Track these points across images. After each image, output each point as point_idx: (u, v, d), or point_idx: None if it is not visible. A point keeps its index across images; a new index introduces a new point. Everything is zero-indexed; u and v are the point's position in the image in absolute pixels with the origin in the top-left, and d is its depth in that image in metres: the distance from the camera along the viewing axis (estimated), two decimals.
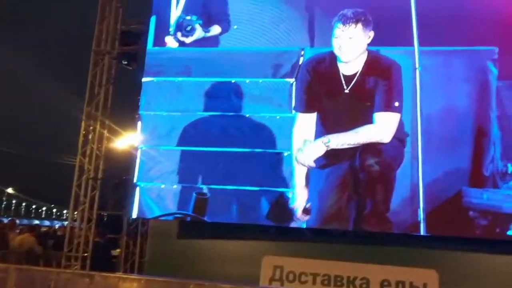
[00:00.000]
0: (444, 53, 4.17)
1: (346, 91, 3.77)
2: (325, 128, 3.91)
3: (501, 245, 4.10)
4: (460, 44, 4.15)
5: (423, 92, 4.00)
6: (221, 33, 4.81)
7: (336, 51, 3.67)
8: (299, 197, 4.05)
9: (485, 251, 4.17)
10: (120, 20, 6.44)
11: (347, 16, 3.56)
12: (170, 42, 4.94)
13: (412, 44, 4.05)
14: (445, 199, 4.01)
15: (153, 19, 5.17)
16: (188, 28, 4.85)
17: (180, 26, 4.88)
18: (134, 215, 4.76)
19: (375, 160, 3.66)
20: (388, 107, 3.65)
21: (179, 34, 4.88)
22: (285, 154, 4.29)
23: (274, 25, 4.65)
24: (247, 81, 4.56)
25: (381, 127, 3.58)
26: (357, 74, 3.72)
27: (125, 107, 6.33)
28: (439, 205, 4.01)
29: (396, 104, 3.66)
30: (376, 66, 3.72)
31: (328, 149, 3.62)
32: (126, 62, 6.21)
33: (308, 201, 4.08)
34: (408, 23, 4.07)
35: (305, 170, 4.03)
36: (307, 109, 3.91)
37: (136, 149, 4.85)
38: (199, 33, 4.84)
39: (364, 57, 3.71)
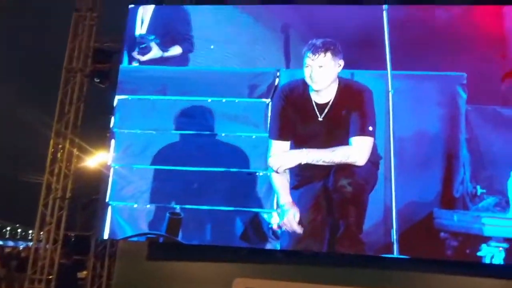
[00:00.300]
0: (416, 77, 4.31)
1: (320, 119, 3.80)
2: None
3: (471, 267, 4.18)
4: (431, 69, 4.30)
5: (395, 115, 4.11)
6: (183, 53, 4.86)
7: (308, 80, 3.71)
8: (291, 213, 3.94)
9: (457, 272, 4.23)
10: (93, 37, 6.40)
11: (316, 45, 3.62)
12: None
13: (385, 68, 4.17)
14: (417, 220, 4.09)
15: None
16: (143, 46, 4.91)
17: (137, 44, 4.95)
18: (106, 235, 4.63)
19: (348, 181, 3.69)
20: (363, 132, 3.70)
21: (135, 52, 4.95)
22: (260, 173, 4.31)
23: (250, 46, 4.70)
24: (224, 100, 4.56)
25: (357, 150, 3.62)
26: (330, 103, 3.76)
27: (96, 125, 6.23)
28: (411, 226, 4.07)
29: (370, 128, 3.72)
30: (348, 94, 3.78)
31: (303, 161, 3.62)
32: (98, 80, 6.15)
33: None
34: (381, 47, 4.19)
35: (286, 184, 3.96)
36: (280, 136, 3.90)
37: (107, 167, 4.75)
38: (155, 52, 4.89)
39: (335, 85, 3.77)
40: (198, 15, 4.98)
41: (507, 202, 4.06)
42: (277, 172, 3.76)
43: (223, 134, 4.53)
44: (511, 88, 4.36)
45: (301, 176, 3.92)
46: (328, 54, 3.69)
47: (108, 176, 4.70)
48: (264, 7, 4.99)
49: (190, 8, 5.11)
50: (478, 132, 4.22)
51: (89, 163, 6.30)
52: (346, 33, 4.37)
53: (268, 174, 4.03)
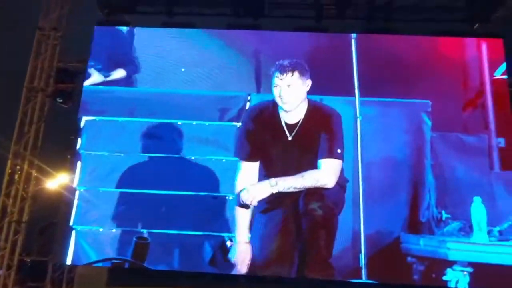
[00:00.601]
0: (383, 104, 4.46)
1: (289, 138, 3.80)
2: (268, 176, 3.89)
3: None
4: (397, 96, 4.45)
5: (363, 140, 4.20)
6: (128, 76, 4.89)
7: (278, 100, 3.73)
8: (243, 253, 3.91)
9: None
10: (56, 57, 6.25)
11: (284, 65, 3.67)
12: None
13: (353, 95, 4.29)
14: (385, 245, 4.15)
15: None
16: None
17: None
18: (69, 261, 4.44)
19: (318, 205, 3.68)
20: (331, 154, 3.73)
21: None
22: (230, 197, 4.28)
23: (221, 70, 4.74)
24: (194, 123, 4.55)
25: (326, 173, 3.64)
26: (299, 123, 3.78)
27: (57, 147, 6.04)
28: (379, 250, 4.13)
29: (339, 151, 3.75)
30: (317, 115, 3.82)
31: (274, 191, 3.61)
32: (61, 100, 5.97)
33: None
34: (349, 74, 4.31)
35: (248, 221, 3.91)
36: (250, 157, 3.88)
37: (69, 190, 4.60)
38: (95, 77, 4.98)
39: (305, 106, 3.80)
40: (168, 38, 4.98)
41: (471, 227, 4.19)
42: (249, 205, 3.71)
43: (192, 157, 4.50)
44: (472, 117, 4.59)
45: (270, 200, 3.90)
46: (296, 73, 3.74)
47: (69, 199, 4.56)
48: (234, 32, 5.05)
49: (138, 30, 5.17)
50: (443, 159, 4.38)
51: (49, 185, 6.06)
52: (315, 60, 4.47)
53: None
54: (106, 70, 4.93)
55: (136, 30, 5.21)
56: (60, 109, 6.17)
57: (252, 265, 4.09)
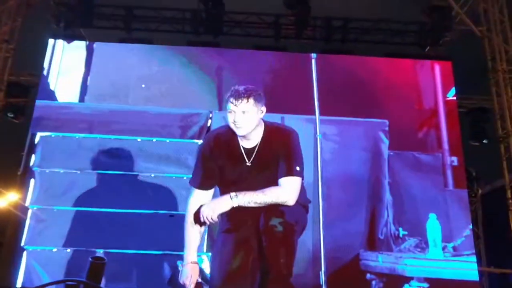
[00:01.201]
0: (342, 122, 4.57)
1: (248, 164, 3.80)
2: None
3: None
4: (356, 115, 4.57)
5: (323, 159, 4.27)
6: None
7: (232, 126, 3.70)
8: (189, 273, 3.84)
9: None
10: (7, 70, 6.00)
11: (239, 92, 3.66)
12: None
13: (313, 113, 4.36)
14: (345, 262, 4.21)
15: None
16: None
17: None
18: (19, 284, 4.19)
19: (278, 221, 3.62)
20: (291, 172, 3.73)
21: None
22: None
23: (183, 86, 4.71)
24: (154, 140, 4.49)
25: (286, 190, 3.65)
26: (256, 147, 3.80)
27: (6, 163, 5.76)
28: (339, 268, 4.18)
29: (298, 168, 3.76)
30: (274, 137, 3.81)
31: (235, 205, 3.58)
32: (12, 115, 5.72)
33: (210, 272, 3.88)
34: (309, 93, 4.38)
35: (197, 241, 3.84)
36: (203, 186, 3.83)
37: (20, 209, 4.38)
38: None
39: (261, 129, 3.81)
40: (129, 53, 4.90)
41: (426, 243, 4.33)
42: (205, 223, 3.63)
43: (152, 175, 4.42)
44: (427, 136, 4.77)
45: (234, 220, 3.85)
46: (251, 100, 3.71)
47: (20, 218, 4.34)
48: (195, 49, 5.05)
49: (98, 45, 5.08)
50: (400, 177, 4.51)
51: None
52: (276, 79, 4.53)
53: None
54: None
55: (96, 45, 5.10)
56: (11, 124, 5.91)
57: (212, 285, 4.02)
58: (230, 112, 3.65)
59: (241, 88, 3.63)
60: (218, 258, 4.01)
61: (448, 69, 5.19)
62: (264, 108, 3.74)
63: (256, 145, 3.73)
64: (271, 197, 3.66)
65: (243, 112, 3.64)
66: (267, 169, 3.80)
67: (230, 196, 3.65)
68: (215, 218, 3.65)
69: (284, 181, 3.80)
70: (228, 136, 3.83)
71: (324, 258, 4.13)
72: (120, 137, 4.54)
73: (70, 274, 4.16)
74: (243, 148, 3.80)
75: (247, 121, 3.68)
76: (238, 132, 3.71)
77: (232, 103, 3.63)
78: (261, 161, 3.74)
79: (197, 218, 3.71)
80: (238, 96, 3.60)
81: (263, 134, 3.78)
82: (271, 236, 3.71)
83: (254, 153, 3.71)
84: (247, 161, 3.73)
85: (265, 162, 3.76)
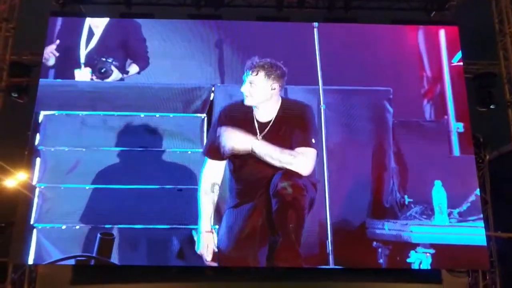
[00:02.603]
0: (346, 92, 4.53)
1: (259, 137, 3.81)
2: (235, 173, 3.87)
3: (402, 273, 4.41)
4: (360, 84, 4.53)
5: (327, 129, 4.26)
6: (139, 72, 4.76)
7: (244, 93, 3.74)
8: (206, 242, 3.90)
9: (389, 279, 4.44)
10: (9, 50, 5.98)
11: (252, 64, 3.76)
12: (83, 78, 4.75)
13: (316, 83, 4.32)
14: (351, 231, 4.24)
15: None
16: (103, 71, 4.71)
17: (94, 68, 4.75)
18: (31, 260, 4.29)
19: (288, 183, 3.67)
20: (307, 143, 3.75)
21: (94, 76, 4.76)
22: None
23: (185, 60, 4.68)
24: (157, 115, 4.49)
25: (301, 158, 3.66)
26: (272, 121, 3.80)
27: (13, 143, 5.81)
28: (345, 237, 4.21)
29: (313, 140, 3.78)
30: (289, 111, 3.83)
31: (253, 146, 3.59)
32: (16, 95, 5.72)
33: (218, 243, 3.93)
34: (312, 63, 4.33)
35: (211, 210, 3.90)
36: (209, 153, 3.87)
37: (28, 187, 4.45)
38: (116, 75, 4.76)
39: (277, 105, 3.82)
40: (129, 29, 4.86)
41: (432, 210, 4.34)
42: (224, 154, 3.66)
43: (157, 150, 4.43)
44: (432, 103, 4.73)
45: (241, 195, 3.89)
46: (261, 74, 3.78)
47: (28, 197, 4.41)
48: (197, 23, 4.99)
49: (142, 22, 4.98)
50: (404, 144, 4.50)
51: (7, 184, 5.83)
52: (278, 49, 4.49)
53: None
54: (122, 67, 4.75)
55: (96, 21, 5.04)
56: (16, 104, 5.93)
57: (221, 255, 4.08)
58: (244, 82, 3.71)
59: (255, 60, 3.67)
60: (226, 229, 4.09)
61: (454, 34, 5.09)
62: (276, 85, 3.72)
63: (271, 119, 3.76)
64: (287, 158, 3.66)
65: (250, 83, 3.69)
66: (280, 145, 3.80)
67: (250, 139, 3.64)
68: (231, 152, 3.63)
69: (300, 150, 3.81)
70: (244, 108, 3.86)
71: (330, 227, 4.16)
72: (123, 113, 4.53)
73: (80, 250, 4.25)
74: (257, 121, 3.83)
75: (254, 92, 3.71)
76: (245, 101, 3.74)
77: (244, 73, 3.74)
78: (273, 135, 3.76)
79: (214, 151, 3.76)
80: (249, 67, 3.68)
81: (279, 109, 3.80)
82: (281, 198, 3.74)
83: (268, 127, 3.74)
84: (258, 134, 3.76)
85: (278, 137, 3.78)
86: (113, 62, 4.75)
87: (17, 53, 5.88)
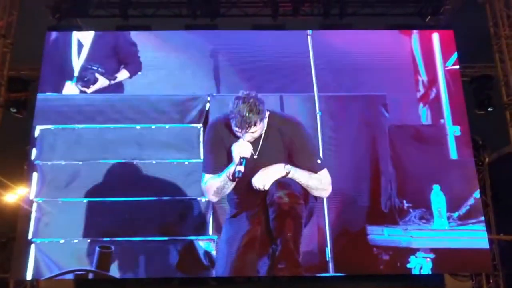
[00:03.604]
0: (341, 98, 4.55)
1: (255, 156, 3.73)
2: (237, 190, 3.80)
3: (402, 278, 4.38)
4: (355, 91, 4.55)
5: (323, 135, 4.26)
6: (130, 76, 4.76)
7: (238, 134, 3.52)
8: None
9: (390, 285, 4.42)
10: (7, 65, 6.03)
11: (246, 121, 3.43)
12: (71, 90, 4.77)
13: (312, 91, 4.34)
14: (350, 238, 4.23)
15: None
16: (85, 79, 4.72)
17: (80, 76, 4.77)
18: (29, 276, 4.28)
19: (284, 192, 3.60)
20: (319, 166, 3.65)
21: (78, 85, 4.78)
22: (201, 199, 4.27)
23: (180, 71, 4.70)
24: (153, 127, 4.49)
25: (326, 180, 3.59)
26: (262, 138, 3.67)
27: (12, 158, 5.82)
28: (345, 243, 4.20)
29: (319, 161, 3.70)
30: (281, 127, 3.72)
31: (287, 171, 3.49)
32: (15, 110, 5.76)
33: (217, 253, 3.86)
34: (307, 71, 4.35)
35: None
36: (216, 171, 3.74)
37: (27, 202, 4.45)
38: (102, 82, 4.75)
39: (265, 119, 3.67)
40: (124, 40, 4.90)
41: (431, 214, 4.32)
42: (262, 189, 3.54)
43: (154, 162, 4.42)
44: (428, 107, 4.74)
45: (241, 205, 3.84)
46: (258, 121, 3.56)
47: (28, 212, 4.40)
48: (191, 33, 5.02)
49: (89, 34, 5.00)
50: (402, 149, 4.49)
51: (5, 199, 5.84)
52: (273, 58, 4.50)
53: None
54: (109, 73, 4.75)
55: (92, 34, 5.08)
56: (15, 118, 5.96)
57: (221, 265, 4.05)
58: (236, 131, 3.52)
59: (245, 112, 3.47)
60: (226, 239, 4.04)
61: (449, 38, 5.10)
62: (267, 114, 3.64)
63: (261, 135, 3.71)
64: (315, 182, 3.61)
65: (253, 132, 3.52)
66: (275, 160, 3.75)
67: (285, 167, 3.56)
68: (268, 187, 3.57)
69: (320, 173, 3.75)
70: (231, 126, 3.76)
71: (330, 234, 4.15)
72: (119, 125, 4.53)
73: (79, 264, 4.24)
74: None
75: (256, 135, 3.59)
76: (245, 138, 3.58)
77: (239, 130, 3.48)
78: (268, 152, 3.71)
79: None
80: (244, 124, 3.44)
81: (268, 124, 3.75)
82: (278, 207, 3.68)
83: (260, 144, 3.70)
84: (254, 154, 3.71)
85: (273, 154, 3.72)
86: (99, 69, 4.76)
87: (15, 68, 5.94)
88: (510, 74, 5.18)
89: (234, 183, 3.47)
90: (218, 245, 4.13)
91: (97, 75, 4.75)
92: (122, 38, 5.02)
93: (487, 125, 5.50)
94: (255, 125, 3.39)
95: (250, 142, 3.53)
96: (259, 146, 3.58)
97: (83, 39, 5.00)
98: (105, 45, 4.98)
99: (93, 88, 4.75)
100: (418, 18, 5.73)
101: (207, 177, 3.54)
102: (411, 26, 5.25)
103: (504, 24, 5.29)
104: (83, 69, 4.82)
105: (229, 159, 3.53)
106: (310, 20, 5.67)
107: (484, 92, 5.46)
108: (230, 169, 3.40)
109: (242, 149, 3.37)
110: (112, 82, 4.78)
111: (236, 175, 3.29)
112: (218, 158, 3.59)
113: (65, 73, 4.86)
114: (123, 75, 4.80)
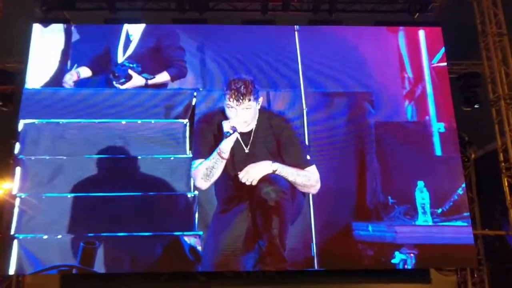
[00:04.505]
0: (328, 95, 4.56)
1: (246, 151, 3.73)
2: (225, 186, 3.80)
3: (387, 274, 4.42)
4: (341, 87, 4.55)
5: (310, 131, 4.27)
6: (172, 80, 4.70)
7: (232, 122, 3.54)
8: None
9: (374, 280, 4.45)
10: None
11: (240, 91, 3.52)
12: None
13: (298, 86, 4.34)
14: (335, 233, 4.25)
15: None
16: (116, 74, 4.67)
17: (112, 72, 4.72)
18: (12, 271, 4.23)
19: (271, 188, 3.63)
20: (308, 162, 3.69)
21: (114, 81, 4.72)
22: (190, 195, 4.26)
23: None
24: (139, 122, 4.46)
25: (314, 177, 3.63)
26: (253, 132, 3.70)
27: None
28: (330, 239, 4.22)
29: (308, 157, 3.73)
30: (272, 123, 3.75)
31: (274, 169, 3.52)
32: (0, 103, 5.70)
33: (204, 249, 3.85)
34: (295, 67, 4.36)
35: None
36: (204, 155, 3.73)
37: (11, 197, 4.40)
38: (136, 80, 4.69)
39: (257, 114, 3.72)
40: (113, 34, 4.83)
41: (415, 210, 4.36)
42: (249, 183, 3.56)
43: (139, 157, 4.40)
44: (413, 104, 4.75)
45: (228, 202, 3.85)
46: (252, 97, 3.62)
47: (12, 207, 4.35)
48: (178, 27, 4.98)
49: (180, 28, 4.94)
50: (387, 146, 4.52)
51: None
52: (260, 53, 4.49)
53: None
54: (149, 71, 4.67)
55: (74, 28, 5.03)
56: (0, 112, 5.89)
57: (208, 260, 4.06)
58: (230, 108, 3.53)
59: (240, 85, 3.50)
60: (213, 235, 4.04)
61: (437, 35, 5.11)
62: (261, 99, 3.66)
63: (252, 129, 3.71)
64: (303, 179, 3.63)
65: (248, 108, 3.53)
66: (266, 155, 3.76)
67: (271, 164, 3.57)
68: (255, 182, 3.57)
69: (308, 169, 3.76)
70: (222, 118, 3.75)
71: (315, 229, 4.16)
72: (104, 120, 4.49)
73: (63, 260, 4.20)
74: (239, 132, 3.74)
75: (251, 115, 3.60)
76: (243, 129, 3.60)
77: (233, 102, 3.50)
78: (259, 146, 3.71)
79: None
80: (239, 96, 3.48)
81: (259, 119, 3.75)
82: (264, 203, 3.70)
83: (251, 138, 3.70)
84: (245, 148, 3.71)
85: (263, 148, 3.73)
86: (135, 68, 4.70)
87: (1, 61, 5.88)
88: (496, 72, 5.22)
89: (224, 162, 3.49)
90: (205, 240, 4.12)
91: (130, 72, 4.70)
92: (169, 40, 4.92)
93: (474, 122, 5.54)
94: (249, 100, 3.43)
95: (241, 136, 3.56)
96: (250, 139, 3.60)
97: (132, 33, 4.91)
98: (151, 44, 4.88)
99: (127, 85, 4.68)
100: (407, 15, 5.73)
101: (197, 162, 3.55)
102: (399, 23, 5.26)
103: (492, 22, 5.33)
104: (117, 66, 4.76)
105: (214, 144, 3.53)
106: (299, 16, 5.65)
107: (471, 89, 5.50)
108: (221, 145, 3.44)
109: (232, 121, 3.42)
110: (149, 82, 4.70)
111: (227, 134, 3.33)
112: (208, 145, 3.61)
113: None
114: (163, 77, 4.73)
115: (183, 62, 4.76)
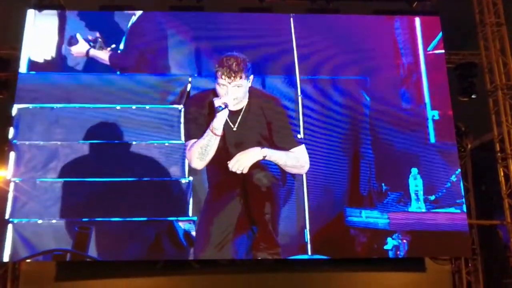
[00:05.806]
0: (323, 82, 4.55)
1: (234, 129, 3.75)
2: (216, 172, 3.80)
3: (379, 262, 4.45)
4: (336, 74, 4.55)
5: (305, 118, 4.28)
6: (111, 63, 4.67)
7: (224, 99, 3.57)
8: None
9: (367, 268, 4.49)
10: None
11: (232, 68, 3.52)
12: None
13: (294, 73, 4.34)
14: (329, 220, 4.26)
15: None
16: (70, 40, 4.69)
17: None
18: (6, 257, 4.22)
19: (263, 174, 3.68)
20: (297, 142, 3.74)
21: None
22: (179, 181, 4.26)
23: (162, 52, 4.63)
24: (133, 107, 4.45)
25: (303, 156, 3.68)
26: (242, 110, 3.72)
27: None
28: (324, 225, 4.24)
29: (299, 136, 3.78)
30: (262, 102, 3.77)
31: (264, 155, 3.56)
32: None
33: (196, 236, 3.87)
34: (290, 54, 4.36)
35: None
36: (196, 136, 3.74)
37: (5, 182, 4.41)
38: (80, 46, 4.70)
39: (248, 86, 3.74)
40: (107, 20, 4.82)
41: (409, 197, 4.37)
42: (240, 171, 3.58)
43: (134, 143, 4.40)
44: (408, 91, 4.75)
45: (220, 189, 3.87)
46: (243, 75, 3.63)
47: (7, 192, 4.35)
48: (174, 14, 4.97)
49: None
50: (381, 133, 4.52)
51: None
52: (256, 40, 4.49)
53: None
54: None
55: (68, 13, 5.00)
56: None
57: (200, 248, 4.07)
58: (221, 85, 3.53)
59: (232, 62, 3.49)
60: (205, 221, 4.06)
61: (434, 24, 5.09)
62: (252, 77, 3.66)
63: (242, 108, 3.70)
64: (292, 161, 3.66)
65: (239, 86, 3.53)
66: (254, 133, 3.77)
67: (259, 149, 3.57)
68: (246, 170, 3.59)
69: (297, 151, 3.80)
70: (211, 99, 3.75)
71: (308, 216, 4.18)
72: (99, 105, 4.48)
73: (57, 245, 4.20)
74: (228, 110, 3.74)
75: (241, 94, 3.60)
76: (234, 107, 3.61)
77: (224, 79, 3.49)
78: (247, 125, 3.72)
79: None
80: (231, 74, 3.46)
81: (249, 99, 3.74)
82: (256, 189, 3.73)
83: (240, 117, 3.70)
84: (232, 126, 3.72)
85: (252, 127, 3.74)
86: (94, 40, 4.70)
87: None
88: (494, 62, 5.21)
89: (218, 139, 3.52)
90: (197, 226, 4.14)
91: (78, 36, 4.69)
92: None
93: (471, 112, 5.53)
94: (240, 78, 3.44)
95: (230, 114, 3.57)
96: (239, 118, 3.61)
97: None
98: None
99: (72, 49, 4.68)
100: (405, 4, 5.69)
101: (190, 142, 3.57)
102: (397, 12, 5.23)
103: (490, 12, 5.32)
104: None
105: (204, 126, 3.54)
106: (297, 4, 5.61)
107: (468, 79, 5.48)
108: (213, 122, 3.46)
109: (223, 98, 3.45)
110: (90, 52, 4.66)
111: (220, 108, 3.35)
112: (200, 126, 3.62)
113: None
114: (103, 55, 4.68)
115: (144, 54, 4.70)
